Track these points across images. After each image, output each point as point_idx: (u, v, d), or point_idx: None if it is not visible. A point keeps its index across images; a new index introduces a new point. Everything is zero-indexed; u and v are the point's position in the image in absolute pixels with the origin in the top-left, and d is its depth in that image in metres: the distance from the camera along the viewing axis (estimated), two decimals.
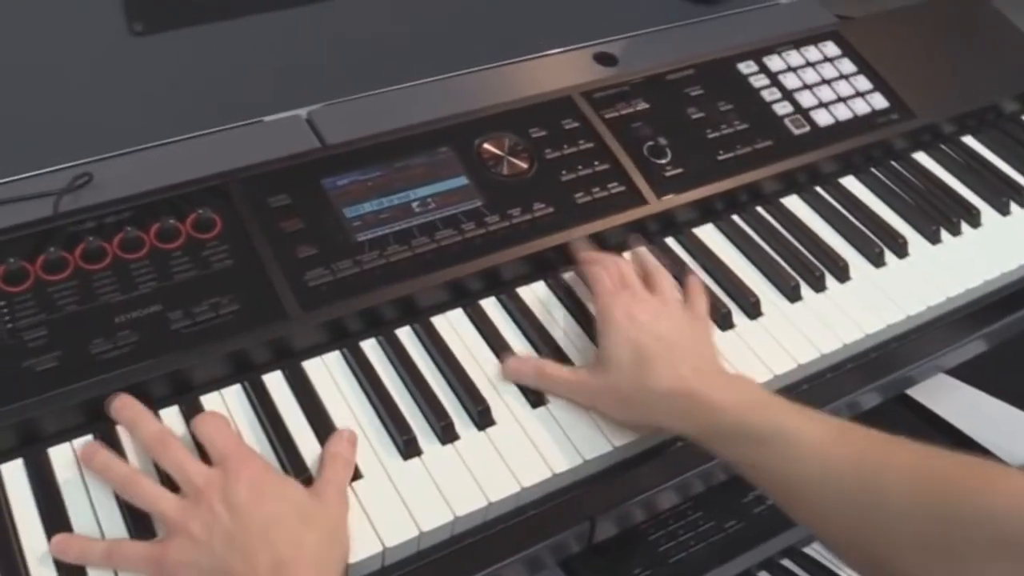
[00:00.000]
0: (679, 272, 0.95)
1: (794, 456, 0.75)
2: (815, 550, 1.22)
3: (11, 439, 0.77)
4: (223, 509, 0.69)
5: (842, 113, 1.15)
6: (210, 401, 0.82)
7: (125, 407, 0.77)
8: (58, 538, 0.71)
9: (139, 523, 0.74)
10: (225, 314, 0.84)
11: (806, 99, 1.15)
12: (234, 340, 0.83)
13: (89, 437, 0.78)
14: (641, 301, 0.86)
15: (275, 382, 0.84)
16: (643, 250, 0.97)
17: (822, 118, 1.14)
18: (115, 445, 0.78)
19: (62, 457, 0.77)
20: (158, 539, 0.72)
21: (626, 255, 0.96)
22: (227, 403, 0.82)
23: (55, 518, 0.73)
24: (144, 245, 0.86)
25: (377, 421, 0.83)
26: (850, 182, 1.13)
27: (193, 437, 0.77)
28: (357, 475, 0.79)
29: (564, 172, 1.00)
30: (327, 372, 0.86)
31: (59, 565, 0.71)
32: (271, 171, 0.94)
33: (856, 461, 0.73)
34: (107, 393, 0.78)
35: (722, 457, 0.81)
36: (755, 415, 0.77)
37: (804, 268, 1.01)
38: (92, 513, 0.74)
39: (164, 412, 0.81)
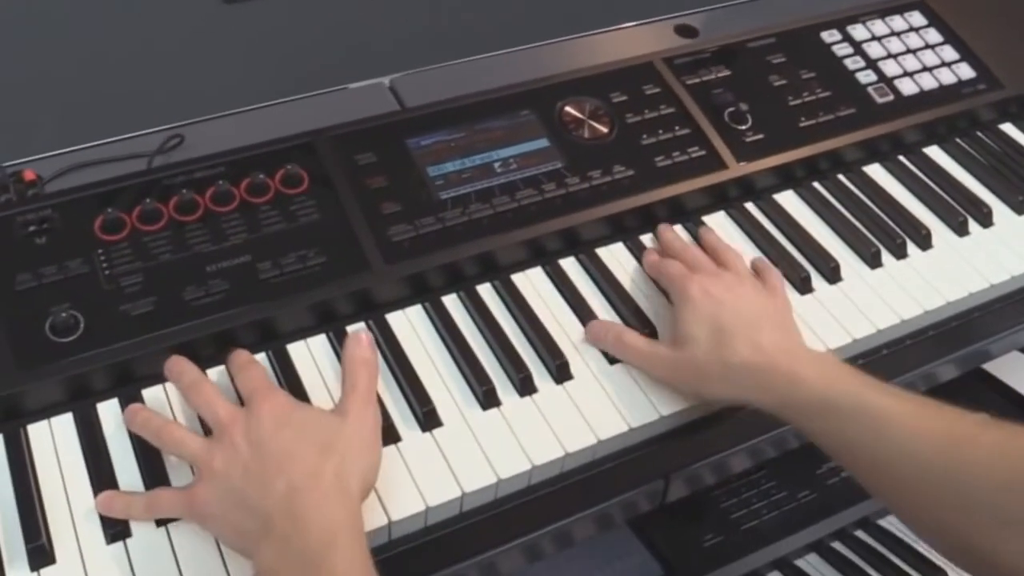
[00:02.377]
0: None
1: (878, 430, 0.74)
2: (890, 523, 1.21)
3: (106, 380, 0.80)
4: (243, 442, 0.70)
5: (927, 83, 1.14)
6: (296, 350, 0.85)
7: (174, 364, 0.79)
8: (103, 495, 0.74)
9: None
10: (311, 266, 0.86)
11: (890, 68, 1.14)
12: (320, 291, 0.85)
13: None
14: (715, 278, 0.86)
15: None
16: (707, 228, 0.97)
17: (906, 87, 1.13)
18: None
19: (156, 399, 0.81)
20: (190, 482, 0.74)
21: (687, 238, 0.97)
22: (312, 352, 0.85)
23: (149, 455, 0.77)
24: (235, 199, 0.89)
25: (457, 372, 0.85)
26: (934, 152, 1.11)
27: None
28: (437, 423, 0.81)
29: (644, 136, 1.01)
30: (409, 324, 0.87)
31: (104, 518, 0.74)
32: (357, 131, 0.96)
33: (942, 437, 0.72)
34: (199, 338, 0.81)
35: (802, 430, 0.80)
36: (838, 388, 0.77)
37: (885, 235, 1.00)
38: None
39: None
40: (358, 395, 0.76)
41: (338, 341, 0.85)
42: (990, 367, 1.28)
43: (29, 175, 0.94)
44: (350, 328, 0.86)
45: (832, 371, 0.79)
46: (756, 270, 0.92)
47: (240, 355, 0.80)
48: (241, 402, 0.76)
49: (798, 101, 1.08)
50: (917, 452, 0.72)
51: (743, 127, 1.04)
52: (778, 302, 0.88)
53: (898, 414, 0.74)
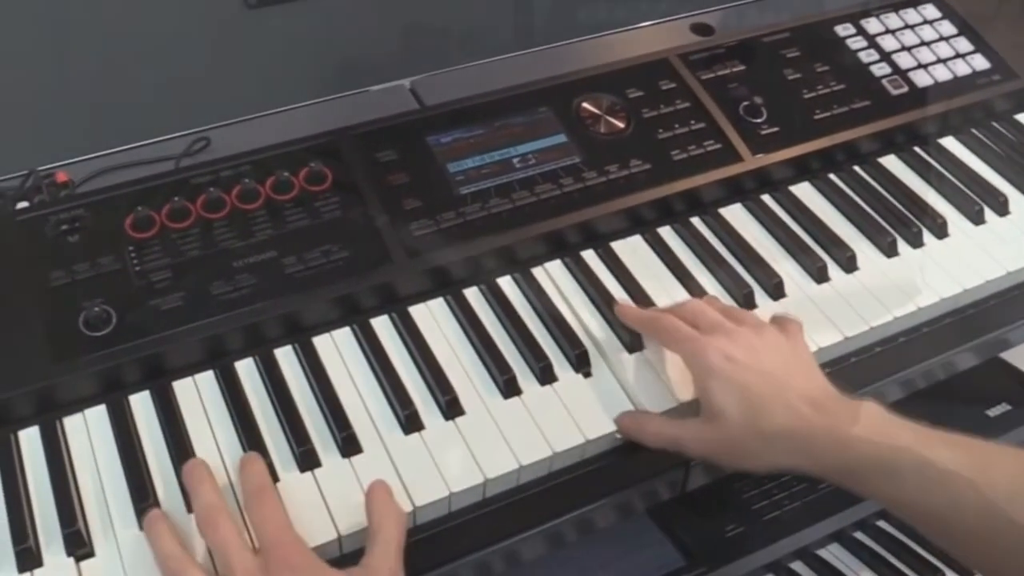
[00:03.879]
0: None
1: (944, 485, 0.70)
2: None
3: (137, 373, 0.83)
4: None
5: (941, 74, 1.14)
6: (322, 343, 0.87)
7: (191, 470, 0.74)
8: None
9: None
10: (335, 260, 0.88)
11: (904, 60, 1.15)
12: (343, 284, 0.87)
13: (210, 372, 0.84)
14: (732, 337, 0.79)
15: (382, 325, 0.88)
16: (707, 298, 0.89)
17: (921, 79, 1.14)
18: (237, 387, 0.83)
19: (186, 390, 0.83)
20: None
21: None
22: (337, 344, 0.87)
23: (180, 445, 0.79)
24: (260, 196, 0.91)
25: (479, 363, 0.86)
26: (949, 143, 1.12)
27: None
28: (459, 411, 0.82)
29: (661, 130, 1.02)
30: (431, 317, 0.89)
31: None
32: (378, 129, 0.98)
33: (1008, 486, 0.69)
34: (227, 331, 0.84)
35: (855, 491, 0.75)
36: (892, 446, 0.72)
37: (900, 224, 1.01)
38: (213, 439, 0.80)
39: (280, 351, 0.86)
40: (387, 552, 0.71)
41: (362, 333, 0.87)
42: (1009, 356, 1.29)
43: (61, 177, 0.97)
44: (374, 321, 0.88)
45: (879, 425, 0.74)
46: (775, 323, 0.84)
47: (264, 492, 0.74)
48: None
49: (813, 94, 1.09)
50: (987, 506, 0.69)
51: (758, 120, 1.05)
52: (799, 347, 0.82)
53: (965, 468, 0.70)
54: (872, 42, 1.16)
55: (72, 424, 0.80)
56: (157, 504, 0.75)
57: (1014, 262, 0.99)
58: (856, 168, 1.07)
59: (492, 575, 0.82)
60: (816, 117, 1.07)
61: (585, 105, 1.03)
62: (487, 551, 0.80)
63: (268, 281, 0.86)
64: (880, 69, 1.13)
